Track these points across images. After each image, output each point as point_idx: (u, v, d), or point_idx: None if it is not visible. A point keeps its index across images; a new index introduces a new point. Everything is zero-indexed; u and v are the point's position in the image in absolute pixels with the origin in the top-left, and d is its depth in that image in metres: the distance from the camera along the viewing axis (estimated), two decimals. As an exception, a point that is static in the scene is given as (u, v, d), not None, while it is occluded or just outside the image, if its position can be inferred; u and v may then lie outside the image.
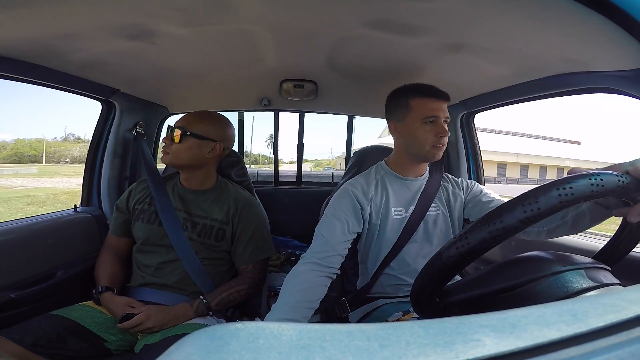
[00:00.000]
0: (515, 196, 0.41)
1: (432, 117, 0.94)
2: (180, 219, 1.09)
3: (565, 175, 0.42)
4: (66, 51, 0.94)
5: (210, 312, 1.02)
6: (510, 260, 0.47)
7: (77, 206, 1.40)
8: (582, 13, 0.57)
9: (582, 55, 0.77)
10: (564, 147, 30.98)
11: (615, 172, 0.41)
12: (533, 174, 26.97)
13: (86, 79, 1.15)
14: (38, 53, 0.93)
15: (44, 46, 0.89)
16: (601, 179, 0.39)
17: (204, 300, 1.01)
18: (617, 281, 0.43)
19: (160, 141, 1.09)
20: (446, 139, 0.97)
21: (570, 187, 0.38)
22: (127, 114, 1.43)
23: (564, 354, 0.18)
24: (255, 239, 1.13)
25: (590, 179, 0.39)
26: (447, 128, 0.96)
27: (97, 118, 1.42)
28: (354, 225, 0.96)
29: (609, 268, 0.46)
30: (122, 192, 1.50)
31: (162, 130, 1.71)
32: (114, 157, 1.44)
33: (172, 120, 1.77)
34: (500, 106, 1.28)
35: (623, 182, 0.40)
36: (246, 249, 1.11)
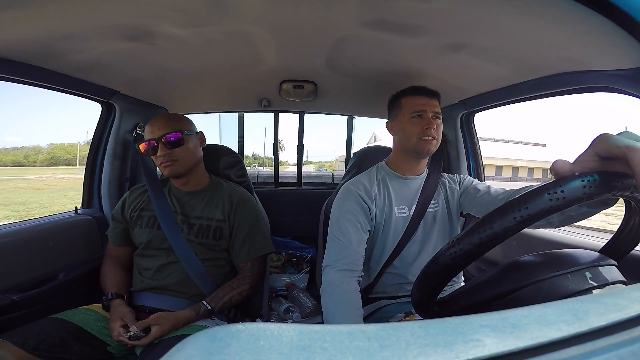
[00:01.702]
0: (506, 202, 0.41)
1: (419, 111, 1.00)
2: (178, 222, 1.08)
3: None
4: (66, 53, 0.94)
5: (213, 316, 1.02)
6: (509, 265, 0.47)
7: (78, 208, 1.40)
8: (581, 12, 0.57)
9: (581, 54, 0.77)
10: (530, 150, 33.78)
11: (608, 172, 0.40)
12: (489, 172, 30.50)
13: (86, 81, 1.15)
14: (37, 54, 0.93)
15: (43, 48, 0.89)
16: (594, 180, 0.38)
17: (208, 307, 1.00)
18: (621, 278, 0.43)
19: (157, 156, 1.05)
20: (434, 131, 1.00)
21: (562, 191, 0.37)
22: (127, 115, 1.43)
23: (565, 353, 0.18)
24: (253, 236, 1.12)
25: (582, 181, 0.38)
26: (438, 122, 1.01)
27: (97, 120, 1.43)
28: (366, 224, 0.99)
29: (615, 263, 0.45)
30: (123, 194, 1.50)
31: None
32: (114, 159, 1.44)
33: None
34: (500, 105, 1.28)
35: (619, 183, 0.39)
36: (244, 246, 1.11)
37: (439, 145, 1.03)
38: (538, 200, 0.37)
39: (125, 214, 1.15)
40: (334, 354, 0.17)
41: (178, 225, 1.08)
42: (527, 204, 0.37)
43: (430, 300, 0.47)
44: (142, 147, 1.06)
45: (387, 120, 1.12)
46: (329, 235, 0.99)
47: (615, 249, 0.50)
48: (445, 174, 1.14)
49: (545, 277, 0.42)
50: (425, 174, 1.09)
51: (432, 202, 1.04)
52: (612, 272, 0.44)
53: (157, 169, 1.16)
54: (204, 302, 1.01)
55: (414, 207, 1.03)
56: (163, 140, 1.03)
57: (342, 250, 0.94)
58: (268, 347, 0.18)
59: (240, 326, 0.19)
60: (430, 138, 0.99)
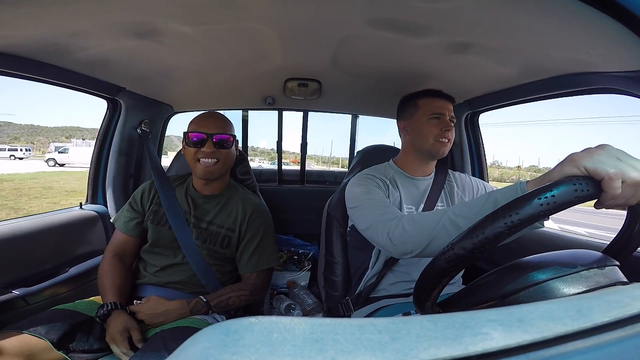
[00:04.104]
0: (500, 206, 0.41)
1: (437, 114, 1.00)
2: (191, 223, 1.08)
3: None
4: (73, 49, 0.95)
5: (210, 311, 1.02)
6: (510, 266, 0.47)
7: (83, 204, 1.42)
8: (588, 13, 0.57)
9: (588, 55, 0.77)
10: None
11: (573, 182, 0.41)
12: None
13: (92, 77, 1.16)
14: (45, 51, 0.94)
15: (51, 44, 0.90)
16: (586, 183, 0.40)
17: (204, 300, 1.00)
18: (623, 279, 0.43)
19: (201, 151, 1.04)
20: (451, 135, 1.01)
21: (553, 195, 0.39)
22: (132, 112, 1.44)
23: (571, 346, 0.19)
24: (262, 248, 1.12)
25: (574, 184, 0.39)
26: (452, 126, 1.01)
27: (103, 116, 1.44)
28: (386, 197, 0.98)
29: (618, 263, 0.45)
30: (127, 190, 1.51)
31: (167, 128, 1.72)
32: (120, 155, 1.45)
33: (179, 121, 1.76)
34: (505, 106, 1.28)
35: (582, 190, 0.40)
36: (252, 258, 1.11)
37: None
38: (528, 205, 0.38)
39: (144, 204, 1.13)
40: (345, 345, 0.17)
41: (188, 223, 1.08)
42: (518, 209, 0.39)
43: (429, 298, 0.47)
44: (189, 135, 1.05)
45: (396, 119, 1.12)
46: (365, 210, 0.91)
47: (619, 249, 0.51)
48: (456, 173, 1.15)
49: (546, 279, 0.42)
50: (433, 175, 1.09)
51: (439, 203, 1.04)
52: (614, 273, 0.44)
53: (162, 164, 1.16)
54: (200, 296, 1.01)
55: (421, 206, 1.03)
56: (214, 139, 1.04)
57: (384, 207, 0.88)
58: (282, 339, 0.18)
59: (253, 319, 0.20)
60: (446, 140, 1.00)
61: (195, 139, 1.04)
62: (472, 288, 0.49)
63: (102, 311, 0.93)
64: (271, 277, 1.21)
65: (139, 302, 0.98)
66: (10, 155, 25.73)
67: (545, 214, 0.39)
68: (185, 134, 1.07)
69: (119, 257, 1.08)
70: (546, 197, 0.38)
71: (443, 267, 0.43)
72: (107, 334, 0.90)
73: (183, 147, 1.10)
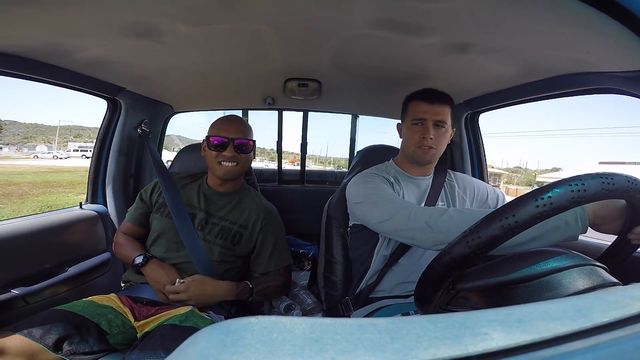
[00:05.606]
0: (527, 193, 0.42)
1: (419, 119, 0.98)
2: (200, 219, 1.11)
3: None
4: (73, 49, 0.95)
5: (251, 298, 1.07)
6: (522, 253, 0.47)
7: (82, 203, 1.42)
8: (588, 13, 0.57)
9: (588, 55, 0.77)
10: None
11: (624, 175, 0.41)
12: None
13: (92, 77, 1.16)
14: (45, 51, 0.94)
15: (51, 44, 0.90)
16: (612, 178, 0.40)
17: (250, 285, 1.05)
18: (619, 282, 0.43)
19: (222, 154, 1.09)
20: (432, 141, 0.97)
21: (583, 184, 0.39)
22: (133, 112, 1.44)
23: (570, 346, 0.19)
24: (279, 248, 1.17)
25: (601, 178, 0.40)
26: (442, 131, 0.99)
27: (103, 116, 1.44)
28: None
29: (608, 269, 0.46)
30: (127, 190, 1.51)
31: (167, 128, 1.72)
32: (120, 155, 1.46)
33: (182, 120, 1.76)
34: (505, 106, 1.28)
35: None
36: (272, 257, 1.15)
37: (440, 154, 1.02)
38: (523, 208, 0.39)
39: (153, 197, 1.18)
40: (345, 345, 0.17)
41: (200, 222, 1.10)
42: (514, 210, 0.39)
43: (434, 293, 0.47)
44: (211, 139, 1.09)
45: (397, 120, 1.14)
46: (376, 204, 0.90)
47: (616, 253, 0.51)
48: (457, 174, 1.15)
49: (560, 268, 0.42)
50: (432, 175, 1.10)
51: (440, 202, 1.05)
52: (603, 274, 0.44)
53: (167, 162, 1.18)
54: (246, 281, 1.07)
55: (422, 205, 1.03)
56: (235, 143, 1.08)
57: (395, 202, 0.87)
58: (281, 339, 0.18)
59: (253, 319, 0.20)
60: (427, 147, 0.97)
61: (216, 142, 1.08)
62: (492, 266, 0.49)
63: (139, 260, 1.03)
64: (290, 274, 1.26)
65: (181, 281, 0.99)
66: (82, 155, 34.49)
67: (576, 202, 0.39)
68: (206, 137, 1.11)
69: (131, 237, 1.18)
70: (577, 185, 0.39)
71: (467, 253, 0.42)
72: (158, 283, 1.00)
73: (203, 149, 1.14)
